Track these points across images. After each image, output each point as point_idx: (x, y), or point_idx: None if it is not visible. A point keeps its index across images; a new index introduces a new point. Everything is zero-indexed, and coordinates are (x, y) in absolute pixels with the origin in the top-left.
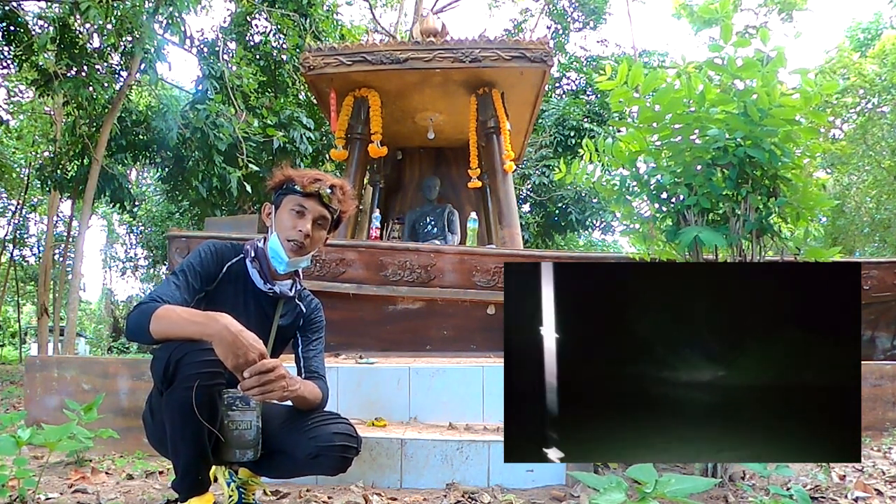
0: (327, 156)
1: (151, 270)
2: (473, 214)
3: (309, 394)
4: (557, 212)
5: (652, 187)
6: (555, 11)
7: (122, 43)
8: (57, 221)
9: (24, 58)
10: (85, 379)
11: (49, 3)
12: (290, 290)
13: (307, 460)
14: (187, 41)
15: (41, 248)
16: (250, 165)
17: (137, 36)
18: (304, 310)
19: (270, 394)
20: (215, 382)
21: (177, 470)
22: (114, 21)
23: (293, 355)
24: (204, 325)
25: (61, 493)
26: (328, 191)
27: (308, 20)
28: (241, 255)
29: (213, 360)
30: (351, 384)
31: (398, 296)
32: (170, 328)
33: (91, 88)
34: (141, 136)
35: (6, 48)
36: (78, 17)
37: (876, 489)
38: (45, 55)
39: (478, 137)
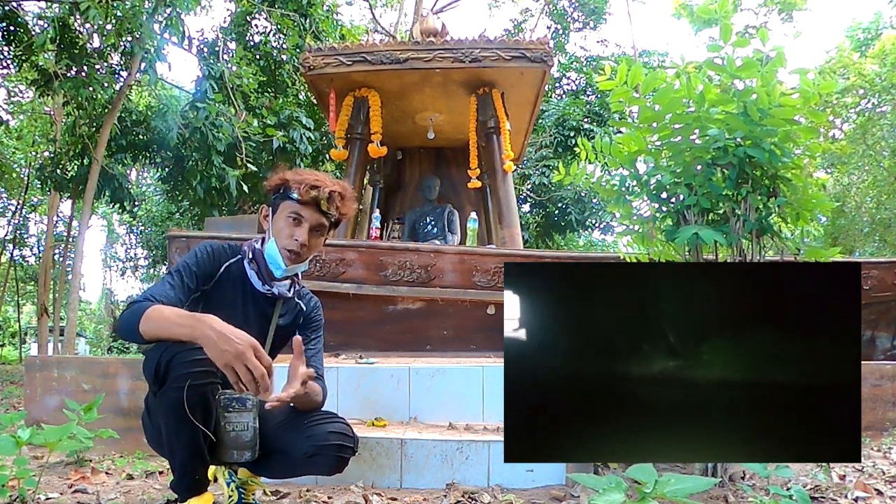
0: (327, 156)
1: (151, 270)
2: (473, 214)
3: (307, 396)
4: (557, 212)
5: (652, 187)
6: (555, 11)
7: (122, 43)
8: (57, 221)
9: (24, 58)
10: (85, 379)
11: (49, 3)
12: (289, 290)
13: (304, 459)
14: (187, 41)
15: (41, 248)
16: (249, 165)
17: (137, 36)
18: (304, 308)
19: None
20: (207, 382)
21: (174, 470)
22: (114, 21)
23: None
24: (190, 327)
25: (61, 493)
26: (326, 198)
27: (308, 20)
28: (240, 256)
29: (204, 360)
30: (351, 384)
31: (398, 296)
32: (158, 329)
33: (91, 88)
34: (141, 136)
35: (6, 48)
36: (78, 17)
37: (876, 489)
38: (45, 55)
39: (478, 137)
